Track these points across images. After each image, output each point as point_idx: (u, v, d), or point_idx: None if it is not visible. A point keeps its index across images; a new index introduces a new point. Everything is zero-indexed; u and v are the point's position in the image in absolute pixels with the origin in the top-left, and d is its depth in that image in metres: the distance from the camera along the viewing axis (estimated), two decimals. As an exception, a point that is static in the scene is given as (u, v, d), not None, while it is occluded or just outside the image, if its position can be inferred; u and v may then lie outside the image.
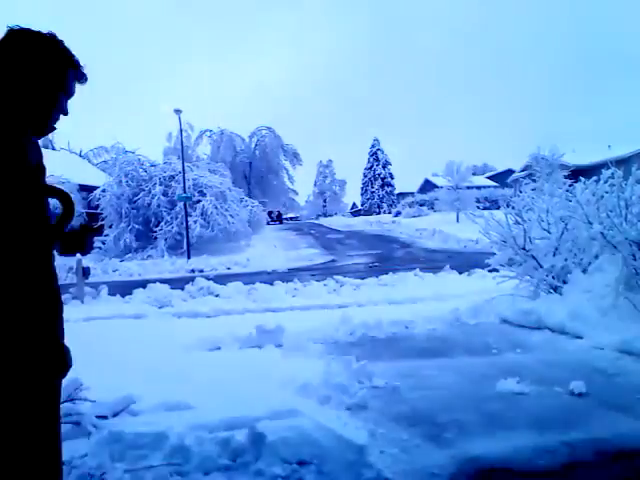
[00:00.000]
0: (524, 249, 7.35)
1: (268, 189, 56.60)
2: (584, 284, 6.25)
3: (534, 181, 25.73)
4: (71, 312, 9.36)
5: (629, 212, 5.82)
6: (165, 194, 26.21)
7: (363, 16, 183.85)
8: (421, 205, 46.68)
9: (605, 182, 6.68)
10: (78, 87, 1.76)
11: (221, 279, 12.74)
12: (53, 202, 1.79)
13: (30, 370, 1.40)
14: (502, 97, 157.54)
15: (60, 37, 1.63)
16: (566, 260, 6.98)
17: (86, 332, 6.60)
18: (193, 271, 18.65)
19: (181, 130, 26.30)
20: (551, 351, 5.29)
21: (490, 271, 8.27)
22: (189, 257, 21.81)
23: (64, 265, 17.19)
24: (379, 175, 69.95)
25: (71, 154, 50.34)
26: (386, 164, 70.67)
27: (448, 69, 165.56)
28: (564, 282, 6.78)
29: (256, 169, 55.68)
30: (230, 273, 17.35)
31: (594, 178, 7.02)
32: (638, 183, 6.16)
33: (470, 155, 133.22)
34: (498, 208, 26.56)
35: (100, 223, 27.14)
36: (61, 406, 3.25)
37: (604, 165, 6.95)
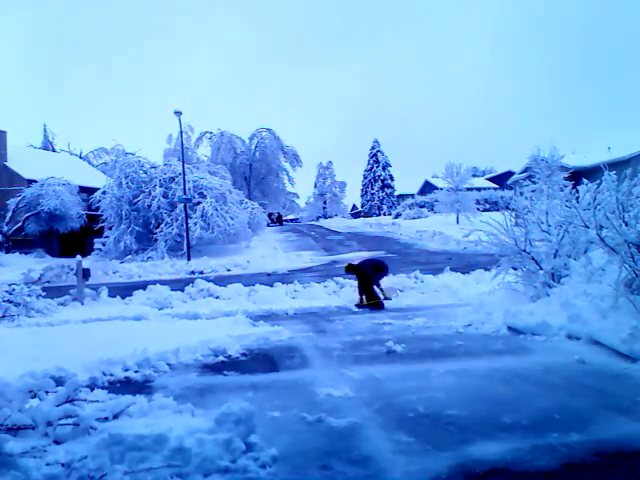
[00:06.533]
0: (524, 251, 7.36)
1: (268, 191, 56.61)
2: (584, 286, 6.25)
3: (534, 183, 25.71)
4: (71, 313, 9.38)
5: (627, 214, 5.81)
6: (165, 196, 26.20)
7: (363, 16, 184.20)
8: (421, 207, 46.67)
9: (607, 190, 6.62)
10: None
11: (221, 281, 12.73)
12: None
13: None
14: (502, 98, 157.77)
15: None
16: (566, 264, 6.98)
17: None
18: (193, 273, 18.63)
19: (181, 132, 26.29)
20: (551, 353, 5.29)
21: (487, 270, 8.28)
22: (189, 259, 21.79)
23: (64, 267, 17.22)
24: (379, 177, 69.90)
25: (71, 156, 50.43)
26: (386, 166, 70.63)
27: (448, 69, 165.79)
28: (564, 284, 6.78)
29: (256, 171, 55.68)
30: (230, 275, 17.34)
31: (597, 182, 6.99)
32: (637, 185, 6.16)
33: (470, 157, 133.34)
34: (498, 210, 26.56)
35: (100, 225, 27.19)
36: (61, 407, 3.27)
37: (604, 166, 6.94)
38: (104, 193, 27.01)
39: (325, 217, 71.96)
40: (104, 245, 26.01)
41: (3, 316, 8.76)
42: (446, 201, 35.40)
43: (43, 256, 28.24)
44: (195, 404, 3.74)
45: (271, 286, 11.07)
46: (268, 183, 56.44)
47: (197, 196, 26.00)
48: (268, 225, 40.78)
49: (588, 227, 6.25)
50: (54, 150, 52.43)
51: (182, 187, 24.03)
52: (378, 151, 71.25)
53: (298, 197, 66.33)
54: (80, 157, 52.69)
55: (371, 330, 7.16)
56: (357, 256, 20.92)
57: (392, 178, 70.68)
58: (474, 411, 3.65)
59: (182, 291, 10.89)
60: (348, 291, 10.65)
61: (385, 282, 10.94)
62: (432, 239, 26.17)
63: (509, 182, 41.26)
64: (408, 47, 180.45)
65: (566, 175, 26.23)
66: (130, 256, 24.51)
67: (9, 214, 29.30)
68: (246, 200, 33.34)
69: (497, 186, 52.46)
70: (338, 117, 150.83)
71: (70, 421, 3.20)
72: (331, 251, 24.53)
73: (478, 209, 34.96)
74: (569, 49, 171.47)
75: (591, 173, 13.25)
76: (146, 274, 18.33)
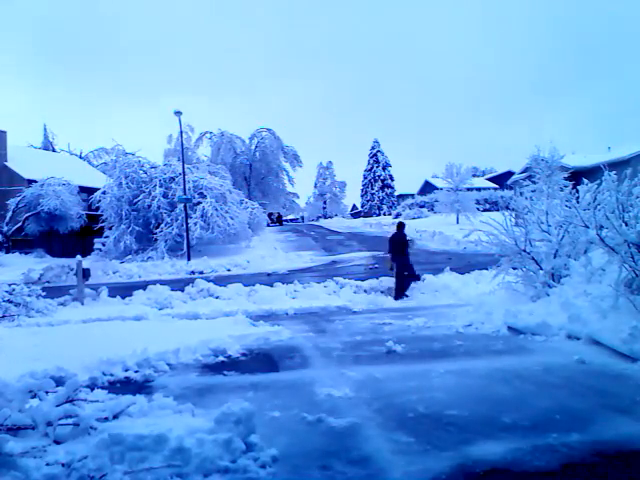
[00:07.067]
0: (524, 251, 7.36)
1: (268, 191, 56.59)
2: (584, 286, 6.26)
3: (534, 183, 25.69)
4: (71, 313, 9.38)
5: (627, 214, 5.81)
6: (165, 196, 26.19)
7: (364, 16, 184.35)
8: (421, 207, 46.71)
9: (607, 190, 6.62)
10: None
11: (221, 281, 12.73)
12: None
13: None
14: (502, 97, 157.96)
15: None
16: (566, 264, 6.99)
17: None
18: (193, 273, 18.62)
19: (181, 132, 26.28)
20: (551, 353, 5.29)
21: (485, 269, 8.28)
22: (189, 259, 21.79)
23: (64, 267, 17.22)
24: (379, 177, 69.93)
25: (71, 156, 50.44)
26: (386, 166, 70.65)
27: (448, 70, 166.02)
28: (564, 284, 6.78)
29: (256, 171, 55.66)
30: (230, 275, 17.33)
31: (597, 182, 6.99)
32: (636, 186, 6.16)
33: (470, 157, 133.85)
34: (498, 210, 26.51)
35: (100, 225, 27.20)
36: (61, 407, 3.26)
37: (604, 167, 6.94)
38: (104, 193, 27.00)
39: (325, 217, 72.08)
40: (104, 245, 25.98)
41: (3, 316, 8.76)
42: (446, 201, 35.39)
43: (43, 256, 28.24)
44: (195, 404, 3.74)
45: (271, 286, 11.06)
46: (268, 183, 56.41)
47: (197, 196, 25.98)
48: (268, 225, 40.79)
49: (588, 227, 6.26)
50: (54, 150, 52.43)
51: (182, 187, 24.02)
52: (378, 151, 71.26)
53: (298, 197, 66.34)
54: (80, 157, 52.68)
55: (371, 330, 7.16)
56: (358, 256, 20.96)
57: (392, 178, 70.71)
58: (474, 411, 3.65)
59: (182, 291, 10.89)
60: (348, 291, 10.65)
61: (384, 281, 10.96)
62: (432, 239, 26.15)
63: (509, 182, 41.30)
64: (408, 47, 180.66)
65: (566, 175, 26.21)
66: (130, 256, 24.48)
67: (9, 214, 29.31)
68: (246, 200, 33.32)
69: (497, 186, 52.47)
70: (338, 117, 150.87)
71: (70, 421, 3.20)
72: (331, 251, 24.52)
73: (478, 209, 34.94)
74: (569, 49, 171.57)
75: (591, 173, 13.26)
76: (146, 274, 18.32)
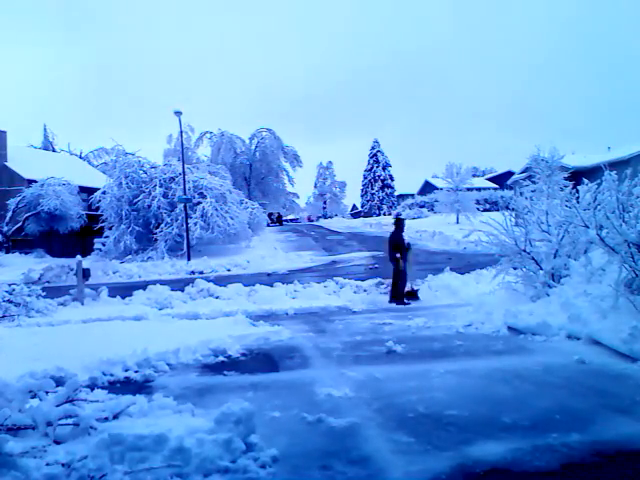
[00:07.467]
0: (524, 251, 7.36)
1: (268, 191, 56.58)
2: (584, 286, 6.25)
3: (534, 183, 25.67)
4: (71, 313, 9.38)
5: (628, 214, 5.81)
6: (165, 196, 26.18)
7: (364, 16, 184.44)
8: (421, 207, 46.74)
9: (607, 190, 6.62)
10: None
11: (221, 281, 12.73)
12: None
13: None
14: (502, 97, 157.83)
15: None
16: (566, 264, 6.99)
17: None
18: (193, 273, 18.62)
19: (181, 132, 26.28)
20: (551, 353, 5.29)
21: (485, 269, 8.28)
22: (189, 259, 21.79)
23: (64, 267, 17.21)
24: (379, 177, 69.90)
25: (71, 156, 50.41)
26: (386, 166, 70.62)
27: (448, 69, 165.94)
28: (563, 284, 6.78)
29: (256, 171, 55.65)
30: (230, 275, 17.33)
31: (597, 182, 6.99)
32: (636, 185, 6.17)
33: (470, 157, 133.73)
34: (498, 210, 26.50)
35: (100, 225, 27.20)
36: (61, 407, 3.26)
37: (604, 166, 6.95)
38: (104, 193, 26.99)
39: (325, 217, 72.06)
40: (104, 245, 25.98)
41: (3, 316, 8.76)
42: (446, 201, 35.39)
43: (43, 256, 28.23)
44: (195, 404, 3.74)
45: (271, 286, 11.06)
46: (268, 183, 56.40)
47: (197, 196, 25.97)
48: (268, 225, 40.78)
49: (588, 227, 6.26)
50: (54, 150, 52.39)
51: (182, 187, 24.02)
52: (378, 151, 71.23)
53: (298, 197, 66.33)
54: (80, 157, 52.65)
55: (371, 330, 7.16)
56: (358, 256, 20.96)
57: (392, 178, 70.68)
58: (474, 411, 3.65)
59: (182, 291, 10.89)
60: (348, 291, 10.66)
61: (384, 281, 10.95)
62: (432, 239, 26.14)
63: (509, 182, 41.24)
64: (408, 47, 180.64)
65: (566, 175, 26.19)
66: (130, 256, 24.48)
67: (9, 214, 29.30)
68: (246, 200, 33.32)
69: (497, 186, 52.47)
70: (338, 117, 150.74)
71: (70, 421, 3.20)
72: (331, 251, 24.51)
73: (478, 209, 34.95)
74: (569, 48, 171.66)
75: (591, 173, 13.26)
76: (146, 274, 18.31)
